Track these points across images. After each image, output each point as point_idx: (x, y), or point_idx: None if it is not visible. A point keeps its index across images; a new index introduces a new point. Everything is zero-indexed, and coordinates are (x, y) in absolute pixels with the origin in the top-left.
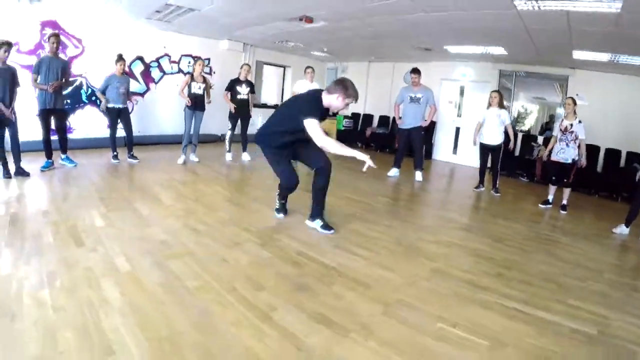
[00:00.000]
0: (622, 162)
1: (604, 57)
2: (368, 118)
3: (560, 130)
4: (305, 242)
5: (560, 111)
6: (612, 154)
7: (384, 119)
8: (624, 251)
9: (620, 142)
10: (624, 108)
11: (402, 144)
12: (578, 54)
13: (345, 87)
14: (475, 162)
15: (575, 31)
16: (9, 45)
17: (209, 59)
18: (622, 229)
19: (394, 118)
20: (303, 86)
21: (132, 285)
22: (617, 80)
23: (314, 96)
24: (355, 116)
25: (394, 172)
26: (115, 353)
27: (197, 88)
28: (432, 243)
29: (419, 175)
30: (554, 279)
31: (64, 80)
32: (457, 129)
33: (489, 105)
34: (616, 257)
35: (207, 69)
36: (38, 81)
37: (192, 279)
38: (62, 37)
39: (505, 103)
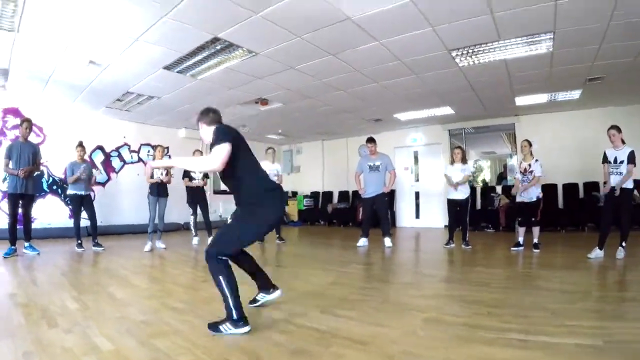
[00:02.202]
0: (581, 194)
1: (543, 97)
2: (328, 195)
3: (520, 172)
4: (290, 311)
5: (510, 161)
6: (570, 188)
7: (343, 194)
8: (603, 271)
9: (575, 175)
10: (572, 142)
11: (368, 213)
12: (520, 100)
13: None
14: (440, 223)
15: (515, 77)
16: None
17: (167, 148)
18: (597, 253)
19: (353, 192)
20: (266, 167)
21: None
22: (560, 118)
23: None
24: (315, 194)
25: (362, 242)
26: None
27: (159, 174)
28: (417, 297)
29: (388, 242)
30: (545, 307)
31: (35, 164)
32: (417, 193)
33: (452, 161)
34: (598, 277)
35: (166, 158)
36: (10, 166)
37: (182, 355)
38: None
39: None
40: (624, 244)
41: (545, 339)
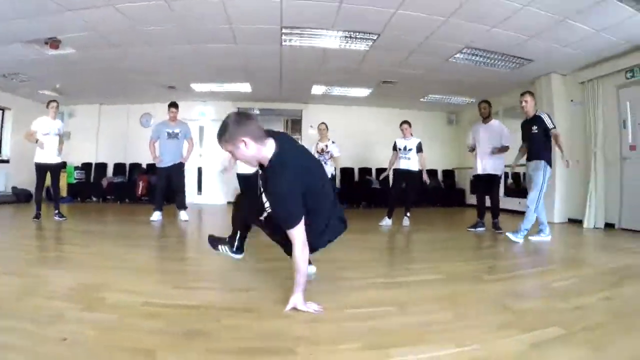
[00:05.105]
0: (356, 177)
1: (336, 90)
2: (102, 167)
3: (317, 152)
4: (136, 291)
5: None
6: (347, 172)
7: (120, 167)
8: (392, 235)
9: (351, 161)
10: (350, 133)
11: (163, 184)
12: (315, 89)
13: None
14: (222, 200)
15: (326, 67)
16: None
17: None
18: (387, 221)
19: (131, 164)
20: (44, 124)
21: None
22: (342, 111)
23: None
24: (86, 166)
25: (156, 215)
26: None
27: None
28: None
29: (184, 215)
30: (379, 259)
31: None
32: (200, 169)
33: None
34: (399, 238)
35: None
36: None
37: None
38: None
39: None
40: (408, 214)
41: (401, 280)
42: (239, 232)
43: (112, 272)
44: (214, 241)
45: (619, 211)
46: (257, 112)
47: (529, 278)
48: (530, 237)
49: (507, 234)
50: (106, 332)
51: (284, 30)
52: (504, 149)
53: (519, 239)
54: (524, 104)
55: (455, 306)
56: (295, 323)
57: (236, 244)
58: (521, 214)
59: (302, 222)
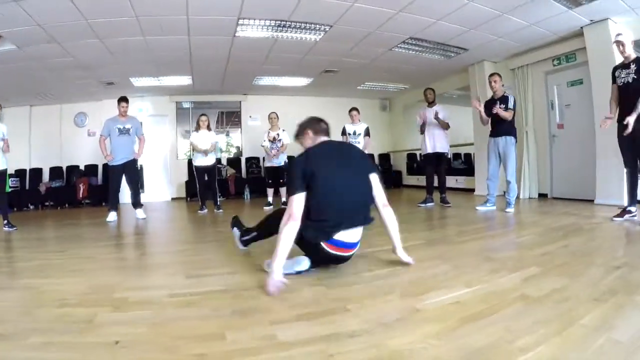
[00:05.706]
0: None
1: (277, 80)
2: (37, 173)
3: (270, 140)
4: (152, 286)
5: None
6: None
7: (56, 171)
8: None
9: (290, 149)
10: (290, 121)
11: (116, 183)
12: (257, 80)
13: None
14: (166, 197)
15: (271, 58)
16: None
17: None
18: None
19: (68, 167)
20: None
21: None
22: (281, 100)
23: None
24: (20, 173)
25: (112, 216)
26: None
27: None
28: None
29: (140, 213)
30: None
31: None
32: (140, 166)
33: (199, 128)
34: None
35: None
36: None
37: None
38: None
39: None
40: None
41: (389, 247)
42: (256, 232)
43: (110, 273)
44: (236, 223)
45: (550, 182)
46: (192, 105)
47: (494, 237)
48: (477, 207)
49: (506, 210)
50: (155, 327)
51: (240, 22)
52: (446, 124)
53: (511, 209)
54: (493, 83)
55: (448, 261)
56: (328, 289)
57: (247, 238)
58: (459, 190)
59: (300, 196)
